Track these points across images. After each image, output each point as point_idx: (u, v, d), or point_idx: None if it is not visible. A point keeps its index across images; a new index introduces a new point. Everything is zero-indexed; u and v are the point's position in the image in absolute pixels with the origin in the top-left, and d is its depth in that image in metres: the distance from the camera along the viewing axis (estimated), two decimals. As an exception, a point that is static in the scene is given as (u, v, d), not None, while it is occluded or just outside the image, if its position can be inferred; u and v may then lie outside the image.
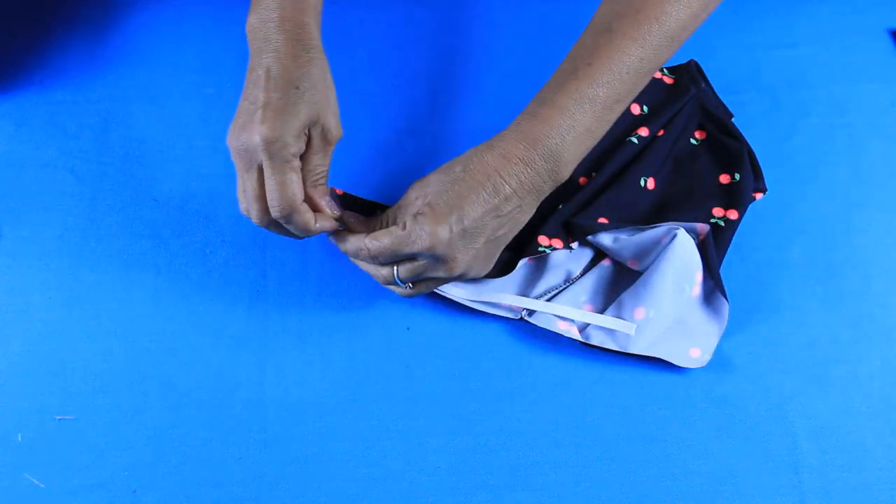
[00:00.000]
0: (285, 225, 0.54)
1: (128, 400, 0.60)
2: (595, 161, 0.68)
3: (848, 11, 0.79)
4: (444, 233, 0.53)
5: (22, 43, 0.75)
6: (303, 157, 0.54)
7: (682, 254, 0.61)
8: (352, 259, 0.59)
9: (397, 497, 0.57)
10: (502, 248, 0.58)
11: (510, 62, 0.76)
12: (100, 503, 0.56)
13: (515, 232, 0.58)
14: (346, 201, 0.63)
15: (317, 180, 0.55)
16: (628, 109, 0.70)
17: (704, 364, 0.61)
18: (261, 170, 0.52)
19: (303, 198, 0.53)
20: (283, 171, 0.52)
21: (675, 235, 0.61)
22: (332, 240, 0.58)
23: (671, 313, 0.61)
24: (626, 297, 0.62)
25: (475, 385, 0.61)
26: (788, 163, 0.71)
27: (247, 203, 0.54)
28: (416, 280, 0.57)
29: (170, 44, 0.76)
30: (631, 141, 0.68)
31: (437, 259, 0.54)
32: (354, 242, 0.56)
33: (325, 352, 0.62)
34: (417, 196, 0.55)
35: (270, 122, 0.51)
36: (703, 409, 0.60)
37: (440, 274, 0.56)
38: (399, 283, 0.57)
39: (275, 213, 0.52)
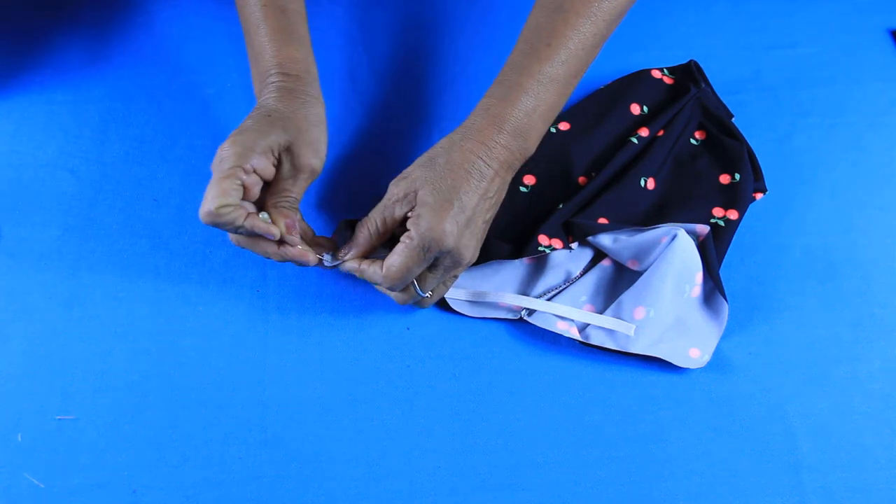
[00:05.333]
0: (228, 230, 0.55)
1: (128, 400, 0.60)
2: (595, 161, 0.68)
3: (848, 11, 0.79)
4: (451, 227, 0.54)
5: (22, 43, 0.75)
6: (273, 182, 0.56)
7: (682, 254, 0.61)
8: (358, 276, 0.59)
9: (397, 497, 0.57)
10: (488, 227, 0.59)
11: (510, 62, 0.76)
12: (100, 503, 0.56)
13: (496, 209, 0.59)
14: (351, 226, 0.62)
15: (279, 202, 0.56)
16: (629, 109, 0.70)
17: (704, 364, 0.61)
18: None
19: (230, 202, 0.52)
20: (220, 177, 0.53)
21: (675, 236, 0.61)
22: (352, 269, 0.58)
23: (671, 313, 0.61)
24: (625, 296, 0.62)
25: (475, 385, 0.61)
26: (788, 163, 0.71)
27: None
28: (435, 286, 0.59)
29: (170, 44, 0.76)
30: (631, 141, 0.68)
31: (450, 254, 0.55)
32: (373, 275, 0.57)
33: (325, 352, 0.62)
34: (406, 193, 0.55)
35: (232, 139, 0.54)
36: (703, 409, 0.60)
37: (455, 270, 0.57)
38: (421, 294, 0.58)
39: (200, 215, 0.53)
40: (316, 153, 0.57)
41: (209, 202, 0.52)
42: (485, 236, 0.59)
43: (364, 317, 0.63)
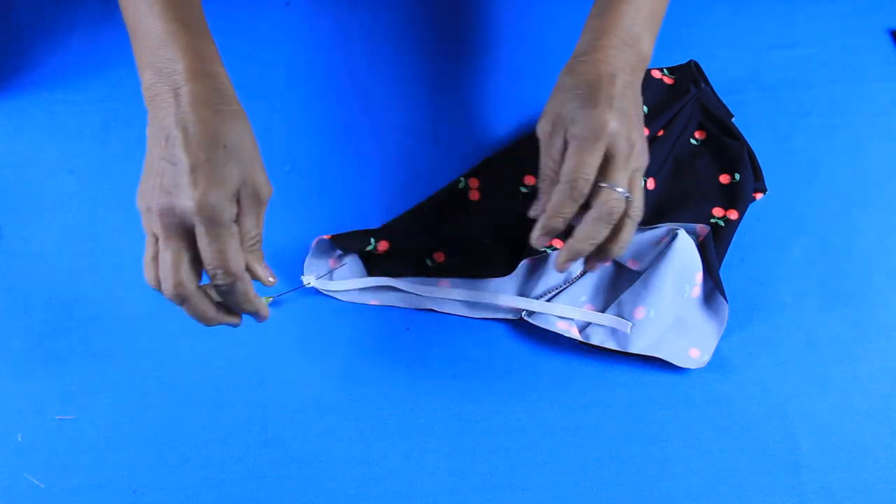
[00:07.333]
0: (224, 296, 0.49)
1: (128, 400, 0.60)
2: (595, 161, 0.68)
3: (848, 11, 0.79)
4: (607, 114, 0.52)
5: (22, 43, 0.75)
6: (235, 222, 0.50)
7: (682, 254, 0.61)
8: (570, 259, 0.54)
9: (397, 497, 0.57)
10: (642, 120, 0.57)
11: (510, 61, 0.76)
12: (100, 503, 0.56)
13: (641, 107, 0.57)
14: (341, 241, 0.63)
15: (252, 245, 0.50)
16: (628, 109, 0.70)
17: (704, 364, 0.60)
18: (188, 236, 0.47)
19: (244, 266, 0.49)
20: (225, 239, 0.47)
21: (675, 236, 0.61)
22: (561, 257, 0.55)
23: (671, 313, 0.61)
24: (626, 297, 0.62)
25: (475, 385, 0.61)
26: (788, 163, 0.71)
27: (161, 272, 0.48)
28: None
29: (170, 44, 0.75)
30: (631, 141, 0.68)
31: (618, 137, 0.52)
32: (561, 195, 0.52)
33: (324, 352, 0.62)
34: (553, 123, 0.54)
35: (203, 186, 0.46)
36: (703, 409, 0.60)
37: (633, 156, 0.54)
38: (625, 193, 0.53)
39: (219, 281, 0.48)
40: (266, 179, 0.51)
41: (229, 265, 0.47)
42: (642, 126, 0.56)
43: (364, 317, 0.63)
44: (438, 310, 0.63)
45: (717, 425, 0.59)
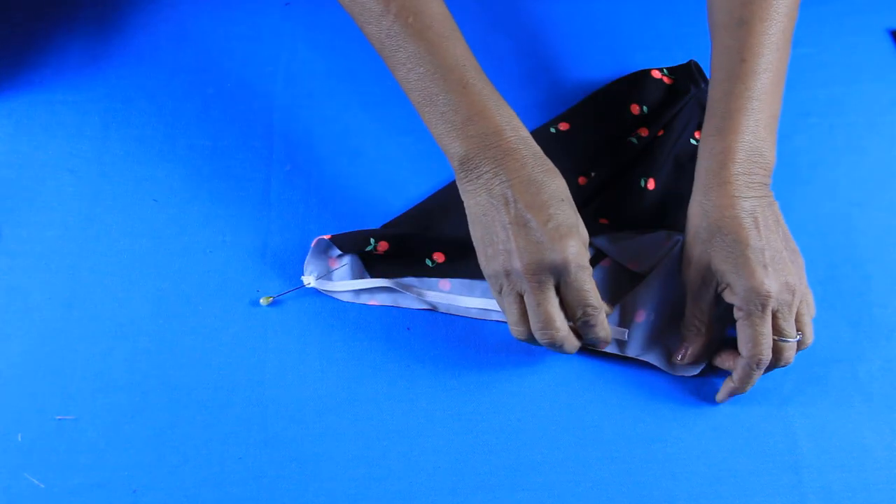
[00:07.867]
0: (584, 328, 0.55)
1: (128, 400, 0.60)
2: (595, 161, 0.68)
3: (848, 11, 0.79)
4: (761, 275, 0.53)
5: (22, 43, 0.75)
6: None
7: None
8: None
9: (397, 497, 0.57)
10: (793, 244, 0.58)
11: (511, 62, 0.76)
12: (100, 503, 0.56)
13: (782, 220, 0.59)
14: (340, 241, 0.63)
15: None
16: (628, 109, 0.70)
17: (698, 371, 0.60)
18: (554, 286, 0.53)
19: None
20: (586, 279, 0.53)
21: (677, 240, 0.61)
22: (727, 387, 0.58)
23: (671, 317, 0.61)
24: (626, 300, 0.62)
25: (475, 385, 0.61)
26: (788, 163, 0.71)
27: (537, 325, 0.54)
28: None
29: (170, 44, 0.76)
30: (631, 141, 0.68)
31: (785, 298, 0.54)
32: (745, 369, 0.56)
33: (324, 352, 0.62)
34: (703, 275, 0.56)
35: (568, 239, 0.52)
36: (703, 409, 0.60)
37: (796, 303, 0.56)
38: (794, 338, 0.56)
39: (587, 317, 0.54)
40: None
41: (598, 298, 0.55)
42: (796, 248, 0.58)
43: (364, 317, 0.63)
44: (439, 309, 0.63)
45: (717, 425, 0.59)
